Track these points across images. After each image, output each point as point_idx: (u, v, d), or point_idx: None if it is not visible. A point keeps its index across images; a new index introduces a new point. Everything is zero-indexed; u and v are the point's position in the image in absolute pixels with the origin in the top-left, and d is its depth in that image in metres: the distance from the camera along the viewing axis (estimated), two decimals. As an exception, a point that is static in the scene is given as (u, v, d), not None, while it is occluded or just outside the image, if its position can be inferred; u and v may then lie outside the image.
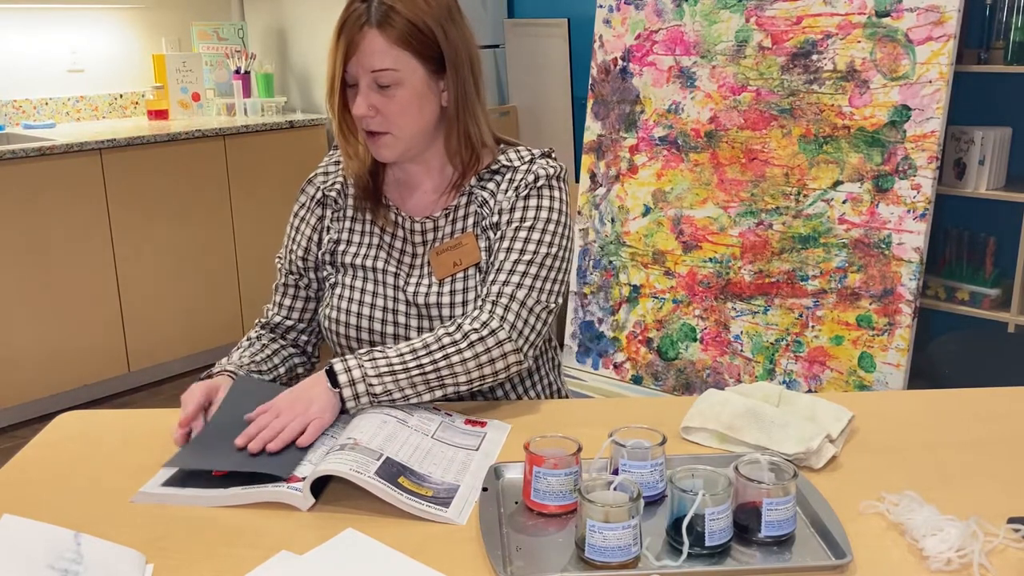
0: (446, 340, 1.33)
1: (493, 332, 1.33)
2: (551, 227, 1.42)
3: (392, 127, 1.39)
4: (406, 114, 1.39)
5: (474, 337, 1.33)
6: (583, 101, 3.41)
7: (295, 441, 1.22)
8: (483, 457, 1.23)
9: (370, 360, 1.30)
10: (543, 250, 1.40)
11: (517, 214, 1.43)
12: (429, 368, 1.31)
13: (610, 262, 3.13)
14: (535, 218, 1.42)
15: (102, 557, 0.96)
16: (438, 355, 1.31)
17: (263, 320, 1.59)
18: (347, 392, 1.28)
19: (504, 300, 1.36)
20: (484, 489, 1.13)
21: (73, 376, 3.41)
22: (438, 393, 1.33)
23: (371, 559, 1.00)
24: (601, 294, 3.14)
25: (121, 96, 4.06)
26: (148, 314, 3.58)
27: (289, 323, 1.57)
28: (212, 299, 3.78)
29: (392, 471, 1.13)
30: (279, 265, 1.59)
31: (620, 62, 3.12)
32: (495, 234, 1.44)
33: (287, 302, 1.57)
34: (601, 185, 3.17)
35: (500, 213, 1.44)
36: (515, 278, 1.38)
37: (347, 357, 1.31)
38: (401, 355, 1.31)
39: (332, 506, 1.12)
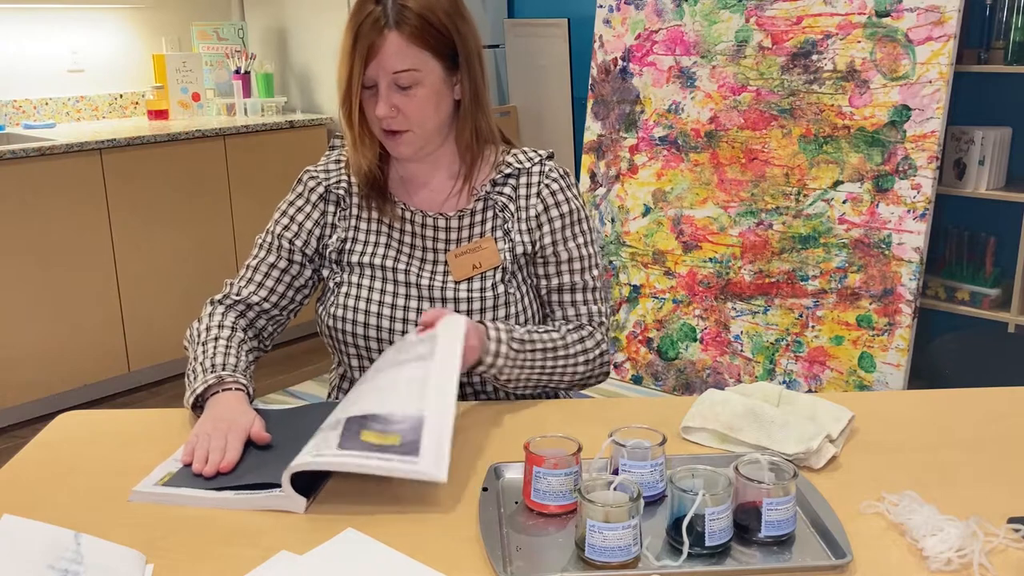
0: (577, 348, 1.46)
1: (601, 354, 1.50)
2: (587, 225, 1.55)
3: (412, 125, 1.41)
4: (425, 112, 1.41)
5: (597, 365, 1.49)
6: (583, 101, 3.41)
7: (297, 445, 1.23)
8: (439, 365, 1.22)
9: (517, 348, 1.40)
10: (591, 251, 1.54)
11: (557, 224, 1.50)
12: (548, 368, 1.44)
13: (610, 262, 3.13)
14: (574, 221, 1.51)
15: (102, 557, 0.96)
16: (560, 361, 1.45)
17: (228, 299, 1.49)
18: (488, 359, 1.36)
19: (598, 318, 1.52)
20: (484, 489, 1.13)
21: (73, 376, 3.41)
22: (533, 389, 1.45)
23: (371, 559, 1.00)
24: (601, 294, 3.15)
25: (121, 96, 4.06)
26: (148, 314, 3.58)
27: (267, 306, 1.49)
28: (212, 299, 3.78)
29: (354, 430, 1.11)
30: (264, 243, 1.51)
31: (620, 62, 3.12)
32: (522, 237, 1.48)
33: (269, 283, 1.49)
34: (601, 185, 3.17)
35: (527, 220, 1.48)
36: (592, 295, 1.52)
37: (498, 334, 1.38)
38: (538, 349, 1.43)
39: (332, 506, 1.12)
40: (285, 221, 1.51)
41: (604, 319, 1.53)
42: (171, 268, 3.63)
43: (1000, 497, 1.11)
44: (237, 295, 1.49)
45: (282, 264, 1.50)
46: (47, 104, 3.83)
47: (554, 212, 1.49)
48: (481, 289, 1.45)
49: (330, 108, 4.02)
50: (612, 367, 1.75)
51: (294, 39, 4.21)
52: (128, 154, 3.43)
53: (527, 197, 1.49)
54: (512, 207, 1.49)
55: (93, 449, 1.30)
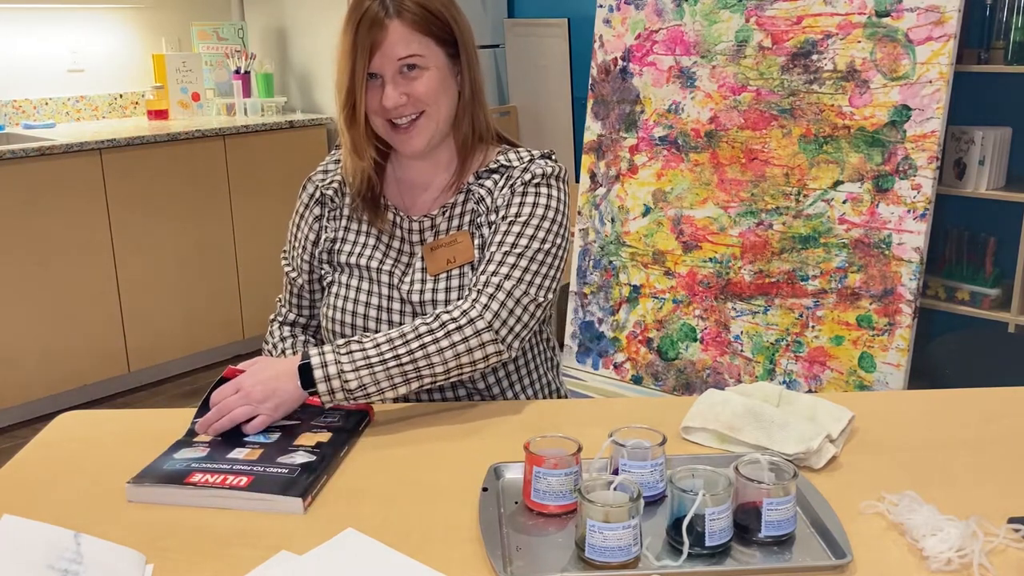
0: (422, 329, 1.32)
1: (471, 321, 1.33)
2: (545, 224, 1.42)
3: (425, 105, 1.40)
4: (436, 94, 1.40)
5: (452, 327, 1.32)
6: (583, 101, 3.41)
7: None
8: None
9: (347, 353, 1.30)
10: (535, 245, 1.40)
11: (513, 210, 1.43)
12: (405, 359, 1.30)
13: (610, 262, 3.13)
14: (530, 214, 1.42)
15: (102, 557, 0.96)
16: (414, 344, 1.31)
17: (280, 318, 1.62)
18: (322, 387, 1.28)
19: (490, 290, 1.35)
20: (484, 489, 1.13)
21: (73, 376, 3.41)
22: (414, 385, 1.32)
23: (371, 559, 1.00)
24: (601, 294, 3.14)
25: (121, 96, 4.06)
26: (148, 314, 3.58)
27: (303, 320, 1.60)
28: (212, 299, 3.78)
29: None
30: (284, 264, 1.60)
31: (620, 62, 3.12)
32: (490, 230, 1.45)
33: (294, 300, 1.60)
34: (601, 185, 3.17)
35: (496, 211, 1.45)
36: (504, 269, 1.37)
37: (323, 350, 1.30)
38: (377, 345, 1.30)
39: (332, 506, 1.12)
40: (293, 235, 1.58)
41: (507, 301, 1.35)
42: (171, 268, 3.63)
43: (1000, 497, 1.11)
44: (283, 317, 1.61)
45: (301, 280, 1.57)
46: (47, 104, 3.83)
47: (516, 199, 1.43)
48: (459, 288, 1.45)
49: (330, 108, 4.02)
50: (554, 350, 1.62)
51: (294, 39, 4.21)
52: (128, 154, 3.43)
53: (501, 188, 1.46)
54: (488, 200, 1.47)
55: (93, 449, 1.30)
